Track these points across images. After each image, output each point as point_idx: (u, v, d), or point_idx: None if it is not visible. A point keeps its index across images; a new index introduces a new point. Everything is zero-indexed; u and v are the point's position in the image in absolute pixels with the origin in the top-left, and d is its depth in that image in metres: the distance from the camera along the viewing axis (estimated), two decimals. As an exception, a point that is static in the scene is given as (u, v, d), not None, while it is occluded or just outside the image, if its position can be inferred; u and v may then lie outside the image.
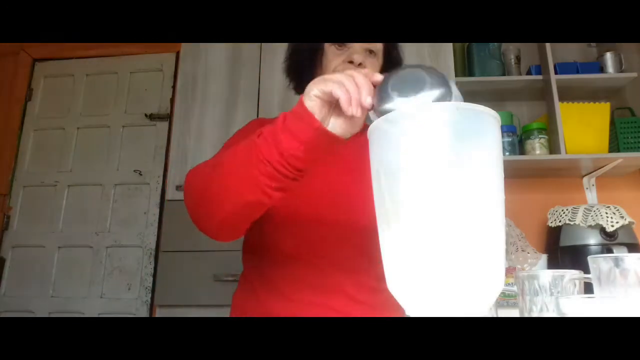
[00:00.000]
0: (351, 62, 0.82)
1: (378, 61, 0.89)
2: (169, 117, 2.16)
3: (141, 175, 2.13)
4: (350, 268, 0.79)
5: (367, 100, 0.53)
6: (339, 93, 0.53)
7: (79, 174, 2.19)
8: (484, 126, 0.45)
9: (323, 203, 0.80)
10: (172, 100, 2.17)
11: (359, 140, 0.84)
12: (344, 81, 0.54)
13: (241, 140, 0.61)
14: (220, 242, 0.69)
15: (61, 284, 2.05)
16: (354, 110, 0.53)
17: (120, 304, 1.98)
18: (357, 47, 0.84)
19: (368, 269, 0.77)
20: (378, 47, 0.87)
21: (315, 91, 0.55)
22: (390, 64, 0.92)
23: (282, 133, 0.55)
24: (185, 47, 1.96)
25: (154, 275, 1.96)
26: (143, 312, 1.96)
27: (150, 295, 1.96)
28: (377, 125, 0.48)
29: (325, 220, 0.79)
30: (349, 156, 0.80)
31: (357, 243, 0.78)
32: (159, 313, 1.71)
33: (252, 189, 0.57)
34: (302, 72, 0.91)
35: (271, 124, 0.57)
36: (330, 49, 0.86)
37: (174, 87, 2.19)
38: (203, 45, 1.94)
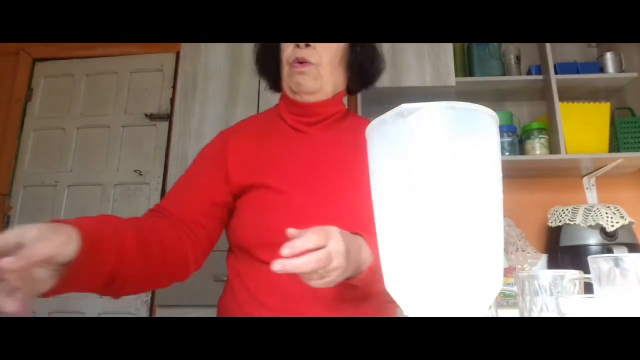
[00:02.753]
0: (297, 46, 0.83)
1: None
2: (169, 117, 2.16)
3: (141, 175, 2.13)
4: None
5: None
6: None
7: (79, 174, 2.19)
8: (480, 125, 0.44)
9: (298, 212, 0.78)
10: (172, 100, 2.17)
11: (352, 140, 0.83)
12: None
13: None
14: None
15: (61, 284, 2.05)
16: None
17: (120, 304, 1.98)
18: None
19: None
20: None
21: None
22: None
23: None
24: (185, 47, 1.96)
25: (154, 275, 1.96)
26: (143, 312, 1.96)
27: (150, 295, 1.96)
28: (373, 126, 0.48)
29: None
30: (334, 158, 0.79)
31: None
32: (159, 313, 1.71)
33: None
34: (271, 71, 0.93)
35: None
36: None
37: (174, 87, 2.19)
38: (203, 45, 1.94)
